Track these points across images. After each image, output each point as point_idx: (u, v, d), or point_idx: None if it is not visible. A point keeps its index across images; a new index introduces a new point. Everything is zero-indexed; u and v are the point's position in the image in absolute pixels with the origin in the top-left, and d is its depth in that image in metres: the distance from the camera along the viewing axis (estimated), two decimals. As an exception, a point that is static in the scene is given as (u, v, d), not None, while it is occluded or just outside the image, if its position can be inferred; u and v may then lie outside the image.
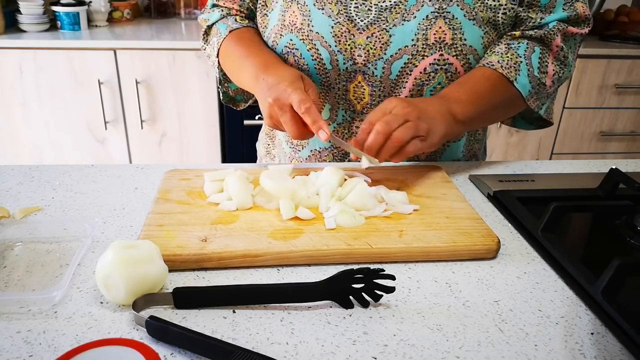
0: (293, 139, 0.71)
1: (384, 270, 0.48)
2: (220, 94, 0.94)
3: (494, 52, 0.78)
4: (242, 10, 0.88)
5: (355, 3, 0.75)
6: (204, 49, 0.92)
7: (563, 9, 0.79)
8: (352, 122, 0.82)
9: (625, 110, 2.18)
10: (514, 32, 0.79)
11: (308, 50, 0.77)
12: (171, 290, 0.48)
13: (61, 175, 0.74)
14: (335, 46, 0.76)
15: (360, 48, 0.76)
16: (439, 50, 0.74)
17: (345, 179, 0.68)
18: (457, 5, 0.74)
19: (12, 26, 1.97)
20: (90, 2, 2.02)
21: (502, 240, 0.61)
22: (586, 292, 0.52)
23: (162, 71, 1.89)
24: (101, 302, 0.49)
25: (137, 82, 1.89)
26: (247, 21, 0.87)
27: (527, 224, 0.64)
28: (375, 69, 0.76)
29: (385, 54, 0.75)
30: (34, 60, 1.85)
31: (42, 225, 0.60)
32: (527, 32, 0.79)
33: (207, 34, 0.91)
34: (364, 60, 0.76)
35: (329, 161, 0.86)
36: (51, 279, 0.51)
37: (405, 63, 0.75)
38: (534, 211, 0.65)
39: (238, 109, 0.99)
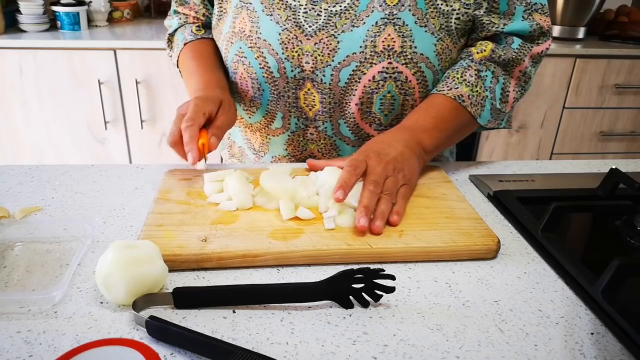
0: (168, 141, 0.70)
1: (384, 270, 0.48)
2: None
3: (465, 80, 0.76)
4: (198, 17, 0.89)
5: (305, 8, 0.74)
6: (170, 56, 0.94)
7: (522, 17, 0.78)
8: (305, 129, 0.82)
9: (625, 110, 2.18)
10: (484, 46, 0.78)
11: (256, 58, 0.77)
12: (171, 290, 0.48)
13: (61, 175, 0.74)
14: (283, 53, 0.75)
15: (307, 55, 0.74)
16: (387, 58, 0.73)
17: None
18: (409, 10, 0.72)
19: (12, 26, 1.97)
20: (90, 2, 2.02)
21: (502, 240, 0.61)
22: (586, 292, 0.52)
23: (162, 71, 1.89)
24: (101, 302, 0.49)
25: (137, 82, 1.89)
26: (203, 31, 0.89)
27: (527, 224, 0.64)
28: (324, 76, 0.75)
29: (333, 60, 0.74)
30: (34, 60, 1.85)
31: (42, 225, 0.60)
32: (495, 56, 0.77)
33: (170, 41, 0.94)
34: (311, 68, 0.75)
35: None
36: (51, 279, 0.51)
37: (353, 70, 0.74)
38: (534, 211, 0.65)
39: None
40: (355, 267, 0.49)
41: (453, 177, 0.79)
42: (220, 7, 0.82)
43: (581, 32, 2.19)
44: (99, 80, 1.88)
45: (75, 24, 1.98)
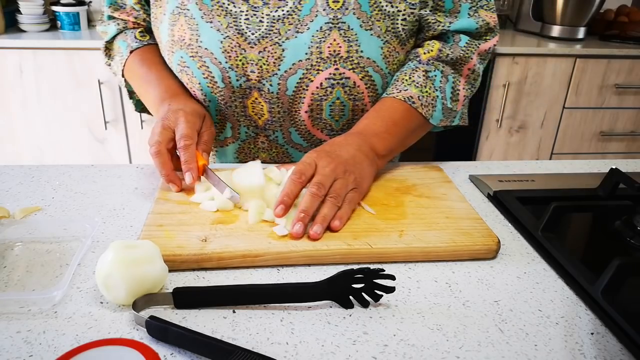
0: (150, 151, 0.66)
1: (384, 270, 0.48)
2: (133, 105, 0.92)
3: (414, 82, 0.75)
4: (139, 22, 0.84)
5: (246, 15, 0.71)
6: (108, 65, 0.88)
7: (469, 14, 0.77)
8: (256, 137, 0.80)
9: (625, 110, 2.18)
10: (431, 47, 0.77)
11: (198, 68, 0.73)
12: (171, 290, 0.48)
13: (61, 175, 0.74)
14: (226, 62, 0.72)
15: (252, 64, 0.72)
16: (334, 64, 0.71)
17: None
18: (354, 14, 0.70)
19: (12, 26, 1.97)
20: (90, 2, 2.02)
21: (502, 240, 0.61)
22: (586, 292, 0.52)
23: (162, 71, 1.89)
24: (101, 302, 0.49)
25: (137, 82, 1.89)
26: (148, 36, 0.84)
27: (527, 224, 0.64)
28: (271, 85, 0.73)
29: (279, 69, 0.72)
30: (34, 60, 1.85)
31: (42, 225, 0.60)
32: (443, 55, 0.76)
33: (109, 49, 0.87)
34: (257, 77, 0.73)
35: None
36: (51, 279, 0.51)
37: (300, 78, 0.72)
38: (534, 211, 0.65)
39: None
40: (355, 267, 0.49)
41: (453, 177, 0.79)
42: (153, 12, 0.78)
43: (581, 32, 2.19)
44: (99, 80, 1.88)
45: (75, 24, 1.98)
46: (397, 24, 0.73)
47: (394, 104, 0.74)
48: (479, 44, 0.79)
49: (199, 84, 0.75)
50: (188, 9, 0.72)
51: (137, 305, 0.46)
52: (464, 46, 0.78)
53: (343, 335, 0.46)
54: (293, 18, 0.70)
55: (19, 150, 2.00)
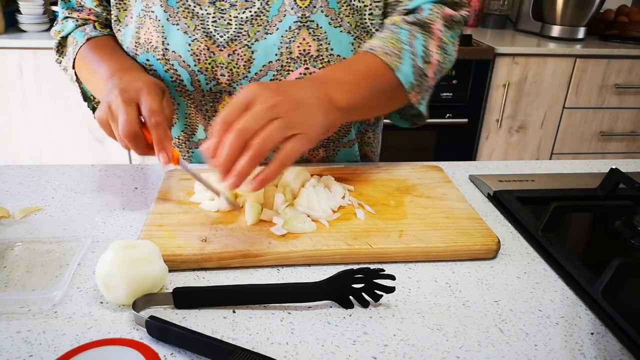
0: (122, 137, 0.60)
1: (384, 270, 0.48)
2: (92, 112, 0.83)
3: (376, 36, 0.71)
4: (100, 21, 0.80)
5: (213, 17, 0.69)
6: (59, 62, 0.83)
7: None
8: None
9: (625, 110, 2.18)
10: (393, 17, 0.72)
11: (166, 71, 0.71)
12: (171, 290, 0.48)
13: (61, 175, 0.74)
14: (195, 66, 0.70)
15: (222, 67, 0.70)
16: (304, 64, 0.69)
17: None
18: (322, 11, 0.68)
19: (12, 26, 1.97)
20: (91, 2, 2.02)
21: (502, 240, 0.61)
22: (586, 292, 0.52)
23: (162, 71, 1.89)
24: (101, 302, 0.49)
25: (137, 82, 1.89)
26: (107, 30, 0.79)
27: (527, 224, 0.64)
28: (242, 89, 0.70)
29: (249, 72, 0.70)
30: (33, 60, 1.85)
31: (42, 225, 0.60)
32: (406, 18, 0.72)
33: (62, 45, 0.82)
34: (228, 80, 0.71)
35: None
36: (51, 279, 0.51)
37: (271, 80, 0.70)
38: (534, 211, 0.65)
39: None
40: (355, 267, 0.49)
41: (453, 177, 0.79)
42: (117, 15, 0.75)
43: (581, 32, 2.19)
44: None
45: (75, 24, 1.98)
46: (365, 18, 0.72)
47: (357, 55, 0.69)
48: (443, 8, 0.73)
49: (167, 87, 0.70)
50: (153, 11, 0.70)
51: (137, 305, 0.46)
52: (428, 12, 0.73)
53: (343, 335, 0.46)
54: (261, 19, 0.69)
55: (19, 150, 2.00)
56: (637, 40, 2.14)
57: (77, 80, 0.80)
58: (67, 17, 0.81)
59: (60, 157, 2.01)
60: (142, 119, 0.60)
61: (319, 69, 0.70)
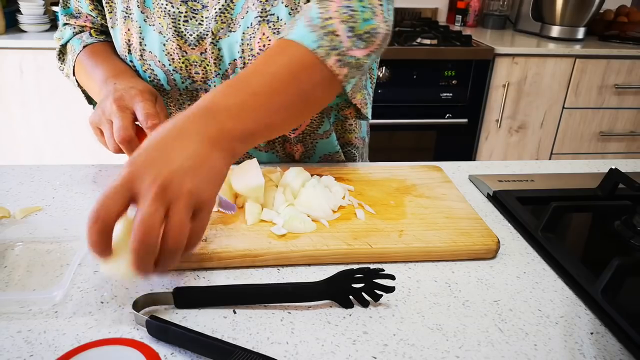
0: (113, 147, 0.61)
1: (384, 270, 0.48)
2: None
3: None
4: (96, 27, 0.83)
5: (185, 17, 0.69)
6: (62, 69, 0.85)
7: None
8: None
9: (625, 110, 2.18)
10: None
11: (144, 71, 0.73)
12: (171, 290, 0.48)
13: (61, 175, 0.74)
14: (170, 65, 0.71)
15: (195, 65, 0.71)
16: None
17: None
18: (282, 3, 0.67)
19: (13, 26, 1.97)
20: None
21: (502, 240, 0.61)
22: (586, 292, 0.52)
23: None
24: (101, 302, 0.49)
25: (137, 82, 1.89)
26: (103, 36, 0.82)
27: (527, 223, 0.64)
28: (215, 85, 0.71)
29: (220, 69, 0.71)
30: (34, 60, 1.85)
31: (43, 225, 0.60)
32: None
33: (63, 52, 0.84)
34: (202, 78, 0.72)
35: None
36: (51, 279, 0.51)
37: None
38: (534, 211, 0.66)
39: None
40: (355, 267, 0.49)
41: (453, 177, 0.79)
42: (109, 19, 0.76)
43: (581, 32, 2.19)
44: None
45: (75, 24, 1.98)
46: None
47: (251, 65, 0.57)
48: None
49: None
50: (132, 13, 0.71)
51: (138, 304, 0.46)
52: None
53: (343, 334, 0.46)
54: (226, 17, 0.69)
55: (19, 150, 2.00)
56: (637, 41, 2.14)
57: (79, 86, 0.82)
58: (66, 24, 0.84)
59: (61, 157, 2.01)
60: (136, 125, 0.61)
61: None
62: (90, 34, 0.81)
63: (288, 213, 0.59)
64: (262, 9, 0.67)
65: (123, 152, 0.62)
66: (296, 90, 0.56)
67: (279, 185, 0.64)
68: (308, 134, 0.80)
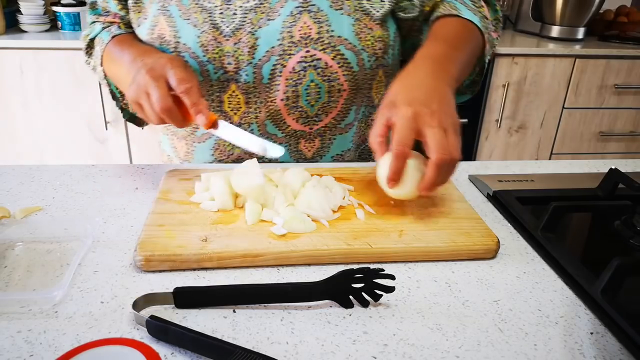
0: (157, 118, 0.64)
1: (384, 270, 0.48)
2: (121, 112, 0.90)
3: (431, 17, 0.79)
4: (123, 22, 0.85)
5: (220, 9, 0.73)
6: (89, 63, 0.88)
7: None
8: None
9: (625, 110, 2.18)
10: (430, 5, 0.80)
11: None
12: (171, 290, 0.48)
13: (62, 175, 0.74)
14: (204, 56, 0.74)
15: (229, 55, 0.73)
16: (304, 47, 0.72)
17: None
18: None
19: (13, 26, 1.97)
20: (91, 2, 2.02)
21: (502, 240, 0.61)
22: (586, 291, 0.52)
23: (162, 71, 1.89)
24: (101, 302, 0.49)
25: (137, 82, 1.89)
26: (131, 29, 0.84)
27: (527, 224, 0.64)
28: (247, 75, 0.74)
29: (253, 58, 0.73)
30: (34, 61, 1.85)
31: (43, 225, 0.60)
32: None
33: (90, 46, 0.87)
34: (234, 68, 0.74)
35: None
36: (52, 279, 0.51)
37: (274, 65, 0.73)
38: (534, 211, 0.66)
39: (142, 128, 0.94)
40: (355, 266, 0.49)
41: (453, 177, 0.79)
42: (133, 18, 0.80)
43: (580, 33, 2.19)
44: (99, 81, 1.88)
45: (75, 24, 1.98)
46: (364, 2, 0.75)
47: (436, 29, 0.75)
48: None
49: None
50: (168, 10, 0.75)
51: (138, 304, 0.46)
52: None
53: (343, 334, 0.46)
54: (264, 7, 0.72)
55: (19, 150, 2.00)
56: (637, 41, 2.14)
57: (106, 77, 0.84)
58: (94, 22, 0.87)
59: (61, 157, 2.01)
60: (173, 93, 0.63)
61: (320, 51, 0.73)
62: (119, 27, 0.84)
63: (288, 213, 0.59)
64: (303, 0, 0.72)
65: (165, 123, 0.64)
66: (472, 49, 0.75)
67: (279, 185, 0.64)
68: (330, 128, 0.82)
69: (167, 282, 0.52)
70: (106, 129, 1.97)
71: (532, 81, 2.07)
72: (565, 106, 2.14)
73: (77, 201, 0.67)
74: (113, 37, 0.81)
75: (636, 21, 2.26)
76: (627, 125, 2.22)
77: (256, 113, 0.78)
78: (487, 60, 0.81)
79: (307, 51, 0.72)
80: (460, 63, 0.69)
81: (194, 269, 0.54)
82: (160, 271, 0.53)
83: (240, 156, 0.83)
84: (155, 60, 0.65)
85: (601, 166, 0.87)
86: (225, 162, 0.83)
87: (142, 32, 0.78)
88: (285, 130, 0.80)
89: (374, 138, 0.60)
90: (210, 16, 0.73)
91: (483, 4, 0.81)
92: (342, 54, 0.74)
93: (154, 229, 0.57)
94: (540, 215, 0.63)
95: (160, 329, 0.44)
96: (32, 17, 1.93)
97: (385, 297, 0.50)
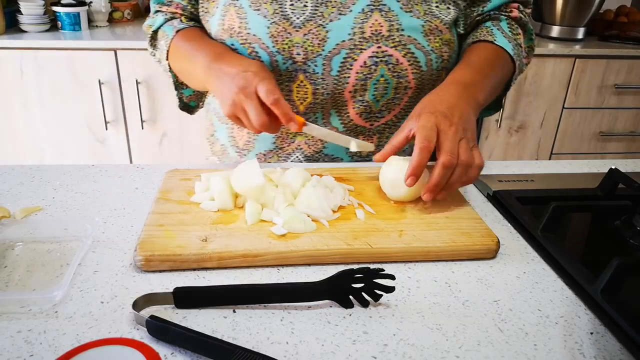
0: (256, 130, 0.69)
1: (384, 270, 0.48)
2: (178, 97, 0.92)
3: (471, 36, 0.83)
4: (185, 14, 0.87)
5: (291, 1, 0.75)
6: (153, 55, 0.91)
7: None
8: None
9: (625, 110, 2.18)
10: (471, 24, 0.85)
11: (249, 54, 0.76)
12: (171, 290, 0.48)
13: (62, 175, 0.74)
14: (273, 47, 0.75)
15: (298, 46, 0.75)
16: (376, 43, 0.74)
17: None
18: None
19: (13, 26, 1.97)
20: (91, 2, 2.02)
21: (502, 240, 0.61)
22: (585, 291, 0.52)
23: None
24: (101, 302, 0.49)
25: (137, 82, 1.90)
26: (192, 22, 0.86)
27: (527, 224, 0.64)
28: (316, 66, 0.76)
29: (323, 50, 0.75)
30: (34, 61, 1.85)
31: (43, 225, 0.60)
32: (483, 18, 0.84)
33: (154, 38, 0.89)
34: (303, 59, 0.76)
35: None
36: (52, 279, 0.51)
37: (344, 58, 0.75)
38: (534, 211, 0.66)
39: (193, 115, 0.98)
40: (355, 266, 0.49)
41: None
42: (203, 6, 0.82)
43: (580, 32, 2.19)
44: (99, 81, 1.88)
45: (75, 24, 1.98)
46: (433, 7, 0.77)
47: (469, 54, 0.79)
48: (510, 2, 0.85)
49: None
50: (238, 0, 0.77)
51: (138, 304, 0.46)
52: (501, 8, 0.85)
53: (343, 334, 0.46)
54: (336, 2, 0.75)
55: (19, 150, 2.00)
56: (637, 41, 2.14)
57: (170, 70, 0.86)
58: (157, 11, 0.89)
59: (61, 157, 2.01)
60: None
61: (391, 47, 0.75)
62: (181, 21, 0.86)
63: (288, 213, 0.59)
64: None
65: (269, 130, 0.70)
66: (501, 76, 0.80)
67: (279, 185, 0.64)
68: (389, 126, 0.83)
69: (167, 282, 0.52)
70: (106, 129, 1.97)
71: (532, 81, 2.07)
72: (565, 106, 2.14)
73: (77, 201, 0.67)
74: (177, 31, 0.83)
75: (636, 21, 2.26)
76: (627, 125, 2.22)
77: (322, 104, 0.79)
78: (513, 83, 0.85)
79: (379, 47, 0.75)
80: (487, 89, 0.74)
81: (194, 269, 0.54)
82: (160, 271, 0.53)
83: (299, 146, 0.84)
84: (243, 74, 0.68)
85: (601, 166, 0.87)
86: (286, 150, 0.85)
87: (213, 22, 0.80)
88: (347, 124, 0.81)
89: (392, 142, 0.67)
90: (280, 7, 0.75)
91: (520, 31, 0.84)
92: (413, 53, 0.76)
93: (154, 229, 0.57)
94: (540, 215, 0.63)
95: (160, 329, 0.44)
96: (32, 17, 1.93)
97: (385, 297, 0.50)
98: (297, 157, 0.84)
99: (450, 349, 0.45)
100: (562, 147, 2.22)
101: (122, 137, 2.00)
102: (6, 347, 0.43)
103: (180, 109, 0.94)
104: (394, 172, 0.65)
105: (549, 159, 2.22)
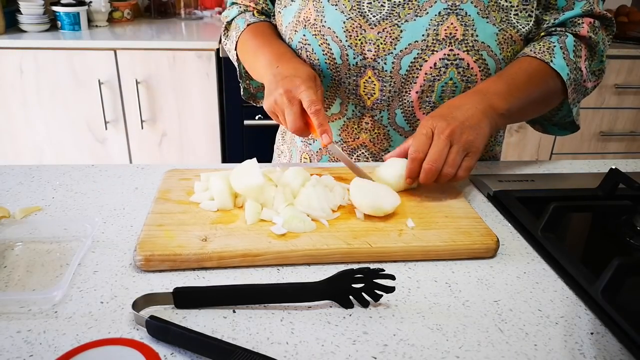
0: (290, 131, 0.72)
1: (384, 270, 0.48)
2: (241, 89, 0.97)
3: (527, 46, 0.80)
4: (258, 9, 0.92)
5: (369, 0, 0.76)
6: (225, 44, 0.96)
7: (582, 9, 0.79)
8: (361, 117, 0.82)
9: (625, 110, 2.18)
10: (539, 32, 0.81)
11: (320, 45, 0.79)
12: (171, 290, 0.48)
13: (61, 175, 0.74)
14: (346, 41, 0.77)
15: (370, 43, 0.77)
16: (448, 46, 0.75)
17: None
18: (471, 2, 0.74)
19: (13, 26, 1.97)
20: (91, 2, 2.02)
21: (502, 240, 0.61)
22: (586, 292, 0.52)
23: (162, 71, 1.89)
24: (101, 302, 0.49)
25: (137, 82, 1.90)
26: (264, 16, 0.91)
27: (527, 224, 0.64)
28: (385, 64, 0.77)
29: (395, 48, 0.76)
30: (34, 61, 1.85)
31: (43, 225, 0.60)
32: (553, 29, 0.80)
33: (227, 29, 0.95)
34: (373, 55, 0.77)
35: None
36: (51, 279, 0.51)
37: (415, 58, 0.76)
38: (534, 211, 0.66)
39: (258, 105, 1.01)
40: (355, 266, 0.49)
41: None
42: (282, 1, 0.85)
43: (581, 32, 2.19)
44: (99, 80, 1.88)
45: (75, 24, 1.98)
46: (511, 16, 0.76)
47: (512, 65, 0.77)
48: (587, 16, 0.80)
49: (318, 60, 0.80)
50: None
51: (138, 305, 0.46)
52: (574, 21, 0.80)
53: (343, 335, 0.46)
54: (413, 4, 0.75)
55: (19, 150, 2.00)
56: (637, 41, 2.14)
57: (238, 60, 0.91)
58: (233, 3, 0.95)
59: (61, 157, 2.01)
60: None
61: (464, 52, 0.75)
62: (253, 14, 0.91)
63: (288, 213, 0.59)
64: (452, 3, 0.75)
65: (301, 135, 0.73)
66: (540, 92, 0.77)
67: (278, 185, 0.64)
68: None
69: (167, 282, 0.52)
70: (106, 129, 1.97)
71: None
72: (565, 106, 2.14)
73: (76, 201, 0.67)
74: (248, 25, 0.88)
75: (636, 21, 2.26)
76: (627, 125, 2.22)
77: (389, 102, 0.80)
78: (573, 107, 0.82)
79: (451, 50, 0.75)
80: (513, 101, 0.73)
81: (194, 269, 0.54)
82: (160, 271, 0.53)
83: (363, 142, 0.84)
84: (291, 77, 0.72)
85: (601, 166, 0.87)
86: (351, 145, 0.85)
87: (288, 14, 0.83)
88: (413, 124, 0.81)
89: (402, 145, 0.71)
90: (358, 5, 0.76)
91: (584, 54, 0.80)
92: (484, 59, 0.76)
93: (154, 229, 0.57)
94: (540, 215, 0.63)
95: (160, 329, 0.44)
96: (32, 17, 1.93)
97: (385, 297, 0.50)
98: (362, 152, 0.86)
99: (451, 349, 0.45)
100: (563, 147, 2.22)
101: (121, 137, 2.00)
102: (6, 347, 0.43)
103: (245, 98, 0.99)
104: (389, 172, 0.68)
105: (549, 159, 2.22)
